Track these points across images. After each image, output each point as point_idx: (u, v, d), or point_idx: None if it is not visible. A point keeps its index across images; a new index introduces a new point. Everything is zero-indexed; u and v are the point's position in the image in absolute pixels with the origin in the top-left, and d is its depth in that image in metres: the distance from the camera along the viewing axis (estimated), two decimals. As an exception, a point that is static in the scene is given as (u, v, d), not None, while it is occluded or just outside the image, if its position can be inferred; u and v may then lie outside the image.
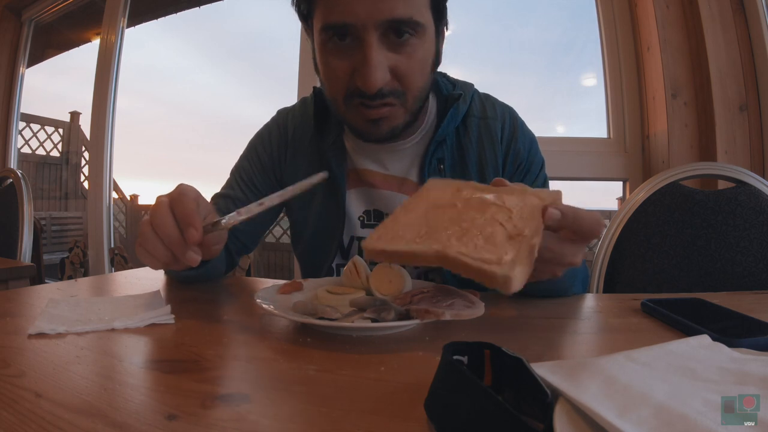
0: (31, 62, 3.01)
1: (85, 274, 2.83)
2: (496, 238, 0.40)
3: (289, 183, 0.63)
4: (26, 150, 4.47)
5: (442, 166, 0.74)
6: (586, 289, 0.71)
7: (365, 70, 0.59)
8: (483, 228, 0.40)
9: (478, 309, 0.47)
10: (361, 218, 0.77)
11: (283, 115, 0.85)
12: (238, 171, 0.83)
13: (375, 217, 0.77)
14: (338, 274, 0.78)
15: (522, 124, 0.79)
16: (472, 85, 0.80)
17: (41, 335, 0.45)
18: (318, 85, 0.75)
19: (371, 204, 0.77)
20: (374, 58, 0.58)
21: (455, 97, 0.74)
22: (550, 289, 0.62)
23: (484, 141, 0.76)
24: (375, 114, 0.64)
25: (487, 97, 0.81)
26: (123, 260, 2.65)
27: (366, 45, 0.59)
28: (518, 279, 0.36)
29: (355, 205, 0.77)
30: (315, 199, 0.78)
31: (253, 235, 0.84)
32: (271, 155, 0.82)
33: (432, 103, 0.78)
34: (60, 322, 0.47)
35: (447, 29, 0.69)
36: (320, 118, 0.78)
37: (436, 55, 0.67)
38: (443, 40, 0.69)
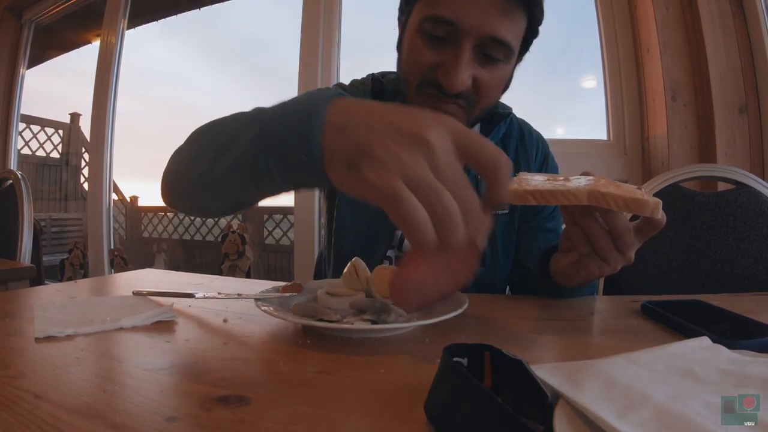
0: (32, 63, 3.02)
1: (85, 276, 2.83)
2: (625, 187, 0.46)
3: None
4: (26, 151, 4.46)
5: (479, 176, 0.76)
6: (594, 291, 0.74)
7: (453, 69, 0.61)
8: (607, 186, 0.45)
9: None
10: None
11: (347, 89, 0.83)
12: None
13: None
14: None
15: (551, 152, 0.86)
16: (511, 108, 0.84)
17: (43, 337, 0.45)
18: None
19: None
20: (464, 63, 0.61)
21: (503, 115, 0.79)
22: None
23: (521, 161, 0.81)
24: (443, 108, 0.66)
25: (523, 122, 0.86)
26: (123, 262, 2.65)
27: (461, 49, 0.61)
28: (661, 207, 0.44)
29: None
30: None
31: None
32: None
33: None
34: (63, 325, 0.47)
35: (522, 59, 0.73)
36: None
37: (509, 78, 0.72)
38: (517, 67, 0.73)
